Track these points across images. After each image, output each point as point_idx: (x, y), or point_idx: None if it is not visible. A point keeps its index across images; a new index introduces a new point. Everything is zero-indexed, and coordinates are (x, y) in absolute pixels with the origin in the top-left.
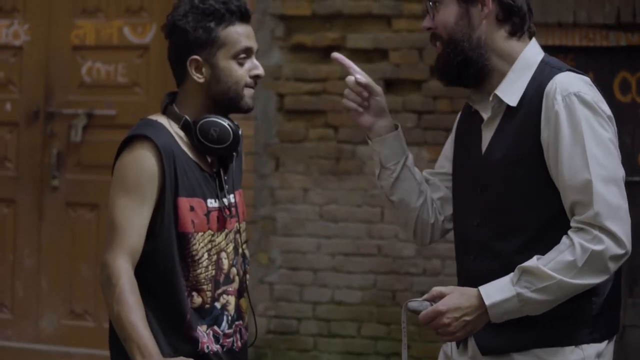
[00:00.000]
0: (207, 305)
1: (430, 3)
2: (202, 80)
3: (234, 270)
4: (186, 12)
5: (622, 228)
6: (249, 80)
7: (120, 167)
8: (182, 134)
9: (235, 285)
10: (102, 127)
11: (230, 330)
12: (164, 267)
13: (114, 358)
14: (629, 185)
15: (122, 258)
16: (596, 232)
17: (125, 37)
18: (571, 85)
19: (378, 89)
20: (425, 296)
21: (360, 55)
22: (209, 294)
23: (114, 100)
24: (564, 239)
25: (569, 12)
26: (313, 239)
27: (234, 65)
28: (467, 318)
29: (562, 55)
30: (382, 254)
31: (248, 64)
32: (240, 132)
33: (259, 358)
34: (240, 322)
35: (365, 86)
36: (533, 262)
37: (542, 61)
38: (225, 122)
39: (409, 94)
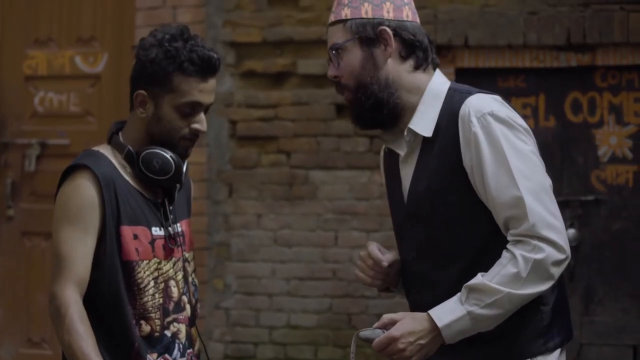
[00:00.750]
0: (157, 334)
1: (333, 51)
2: (143, 115)
3: (184, 298)
4: (151, 46)
5: (559, 234)
6: (186, 132)
7: (61, 198)
8: (125, 163)
9: (187, 313)
10: (56, 156)
11: (183, 359)
12: (109, 296)
13: None
14: (583, 205)
15: (69, 288)
16: (535, 242)
17: (77, 67)
18: (483, 106)
19: (397, 258)
20: (376, 324)
21: (312, 81)
22: (157, 322)
23: (67, 130)
24: (505, 253)
25: (518, 34)
26: (268, 264)
27: (175, 114)
28: (422, 342)
29: (512, 77)
30: (337, 277)
31: (192, 117)
32: (183, 164)
33: None
34: (191, 350)
35: (391, 265)
36: (478, 279)
37: (449, 89)
38: (167, 154)
39: None
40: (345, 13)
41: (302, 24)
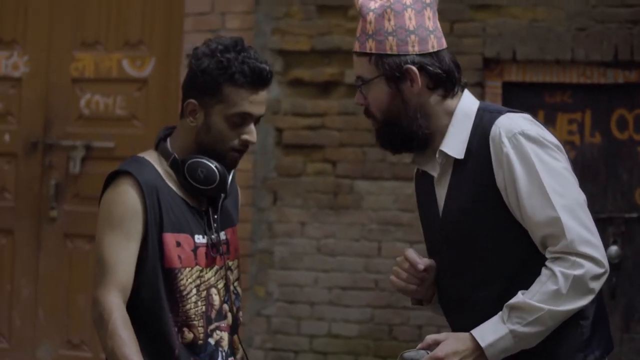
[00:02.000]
0: (200, 342)
1: (360, 83)
2: (193, 124)
3: (225, 306)
4: (203, 55)
5: (596, 249)
6: (236, 144)
7: (104, 204)
8: (170, 171)
9: (228, 321)
10: (101, 159)
11: None
12: (150, 302)
13: None
14: (627, 222)
15: (113, 294)
16: (574, 258)
17: (124, 70)
18: (514, 126)
19: (434, 264)
20: (420, 345)
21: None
22: (201, 329)
23: (112, 133)
24: (544, 270)
25: (566, 50)
26: (310, 272)
27: (225, 124)
28: None
29: (559, 92)
30: (379, 287)
31: (242, 128)
32: (230, 174)
33: None
34: (232, 358)
35: (426, 269)
36: (519, 297)
37: (479, 109)
38: (212, 165)
39: None
40: (370, 46)
41: (350, 33)
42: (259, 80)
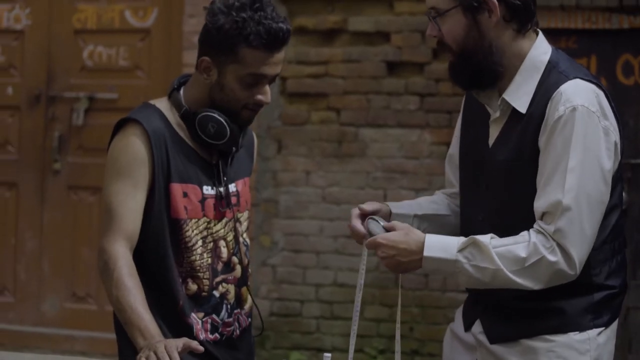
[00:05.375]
0: (204, 293)
1: (434, 15)
2: (207, 81)
3: (234, 259)
4: (220, 12)
5: (579, 252)
6: (250, 103)
7: (112, 152)
8: (181, 122)
9: (237, 273)
10: (104, 110)
11: (230, 319)
12: (156, 252)
13: (120, 342)
14: (633, 167)
15: (119, 243)
16: (554, 245)
17: (127, 21)
18: (577, 97)
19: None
20: (385, 224)
21: (362, 38)
22: (205, 281)
23: (115, 84)
24: (525, 233)
25: None
26: (315, 221)
27: (238, 84)
28: (401, 259)
29: (564, 38)
30: None
31: (256, 88)
32: (242, 131)
33: (262, 341)
34: (239, 310)
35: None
36: (486, 238)
37: (549, 62)
38: (222, 119)
39: (411, 76)
40: None
41: None
42: (275, 41)
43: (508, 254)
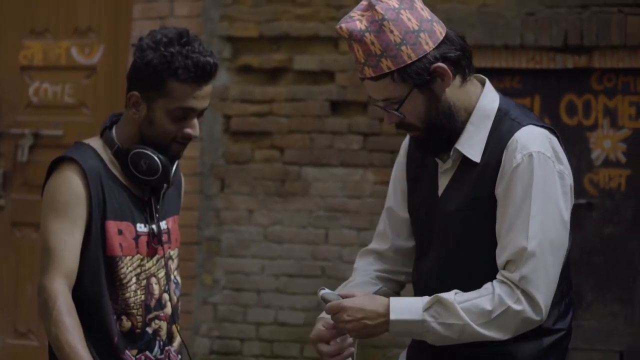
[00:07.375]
0: (138, 330)
1: (392, 106)
2: (136, 116)
3: (165, 296)
4: (148, 48)
5: (544, 297)
6: (178, 136)
7: (49, 191)
8: (114, 159)
9: (168, 310)
10: (49, 147)
11: (162, 356)
12: (91, 290)
13: None
14: (575, 208)
15: (58, 281)
16: (519, 294)
17: (73, 58)
18: (532, 143)
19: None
20: (341, 292)
21: (307, 77)
22: (139, 318)
23: (61, 121)
24: (488, 285)
25: (515, 35)
26: (257, 260)
27: (167, 118)
28: (368, 322)
29: (508, 78)
30: (326, 275)
31: (185, 122)
32: (173, 166)
33: None
34: (170, 347)
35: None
36: (450, 295)
37: (499, 109)
38: (155, 156)
39: (354, 115)
40: (387, 65)
41: (299, 19)
42: (202, 75)
43: (474, 308)
